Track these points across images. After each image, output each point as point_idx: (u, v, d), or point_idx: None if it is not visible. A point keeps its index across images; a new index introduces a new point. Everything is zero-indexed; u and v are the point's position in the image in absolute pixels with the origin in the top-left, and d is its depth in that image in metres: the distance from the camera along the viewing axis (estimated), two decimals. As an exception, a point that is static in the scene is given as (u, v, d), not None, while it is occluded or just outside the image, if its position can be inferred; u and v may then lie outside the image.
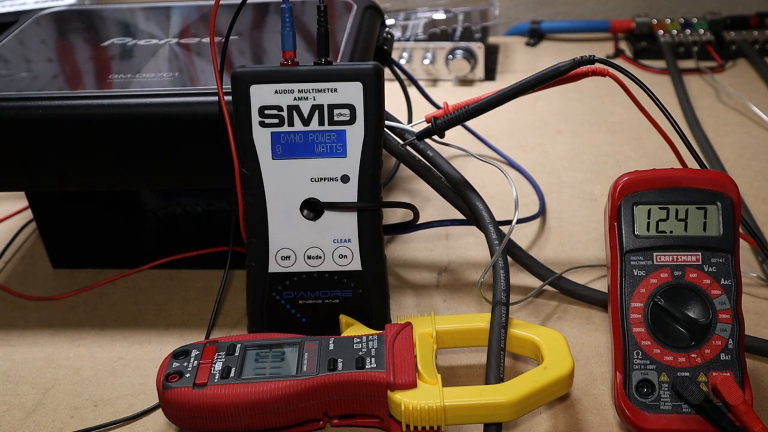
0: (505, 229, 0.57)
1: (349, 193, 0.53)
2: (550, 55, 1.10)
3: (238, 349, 0.51)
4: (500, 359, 0.49)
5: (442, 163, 0.60)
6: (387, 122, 0.59)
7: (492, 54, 1.08)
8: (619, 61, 1.05)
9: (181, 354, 0.51)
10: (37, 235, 0.71)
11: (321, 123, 0.52)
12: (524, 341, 0.52)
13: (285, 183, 0.53)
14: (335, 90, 0.51)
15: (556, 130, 0.89)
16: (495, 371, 0.49)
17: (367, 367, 0.48)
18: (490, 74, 1.03)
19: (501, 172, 0.59)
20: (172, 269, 0.67)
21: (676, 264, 0.51)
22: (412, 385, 0.47)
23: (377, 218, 0.54)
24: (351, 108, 0.51)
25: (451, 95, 0.98)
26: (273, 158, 0.52)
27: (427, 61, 1.00)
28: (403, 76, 0.78)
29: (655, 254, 0.51)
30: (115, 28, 0.71)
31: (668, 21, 1.10)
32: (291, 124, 0.52)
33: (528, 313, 0.60)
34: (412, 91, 0.80)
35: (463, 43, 1.00)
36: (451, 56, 1.00)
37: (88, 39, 0.69)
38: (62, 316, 0.62)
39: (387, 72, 0.66)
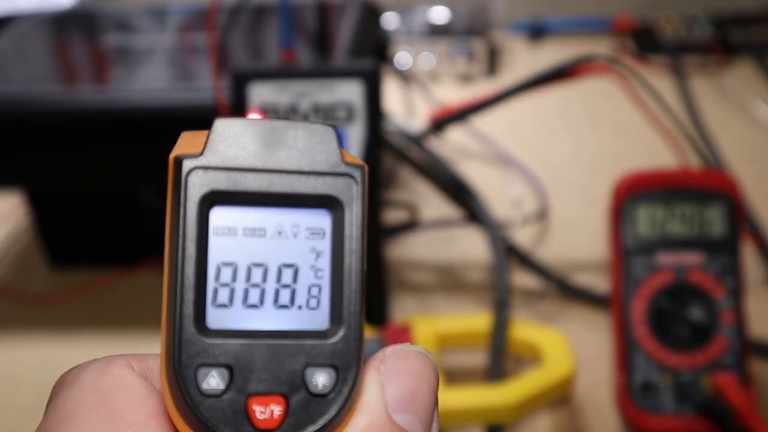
0: (505, 229, 0.57)
1: (349, 192, 0.53)
2: (552, 52, 1.09)
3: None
4: (501, 360, 0.49)
5: (442, 163, 0.60)
6: (386, 121, 0.59)
7: (493, 51, 1.08)
8: (621, 59, 1.04)
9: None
10: (37, 235, 0.71)
11: (320, 122, 0.51)
12: (525, 342, 0.52)
13: (284, 182, 0.52)
14: (334, 88, 0.51)
15: (558, 129, 0.88)
16: (495, 372, 0.48)
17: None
18: (491, 72, 1.02)
19: (501, 172, 0.59)
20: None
21: (678, 264, 0.50)
22: (412, 387, 0.47)
23: (377, 218, 0.54)
24: (350, 106, 0.51)
25: (452, 93, 0.98)
26: (272, 157, 0.52)
27: (427, 59, 1.00)
28: (402, 74, 0.78)
29: (657, 254, 0.50)
30: (114, 27, 0.70)
31: (672, 19, 1.09)
32: (290, 122, 0.51)
33: (529, 314, 0.60)
34: (412, 89, 0.80)
35: (463, 41, 1.00)
36: (451, 54, 1.00)
37: (87, 39, 0.68)
38: (61, 316, 0.62)
39: (386, 70, 0.65)
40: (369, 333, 0.52)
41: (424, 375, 0.24)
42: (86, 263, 0.67)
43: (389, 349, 0.25)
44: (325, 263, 0.24)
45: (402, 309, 0.61)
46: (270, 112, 0.50)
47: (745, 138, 0.84)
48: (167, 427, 0.23)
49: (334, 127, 0.24)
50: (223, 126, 0.24)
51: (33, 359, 0.58)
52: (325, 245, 0.24)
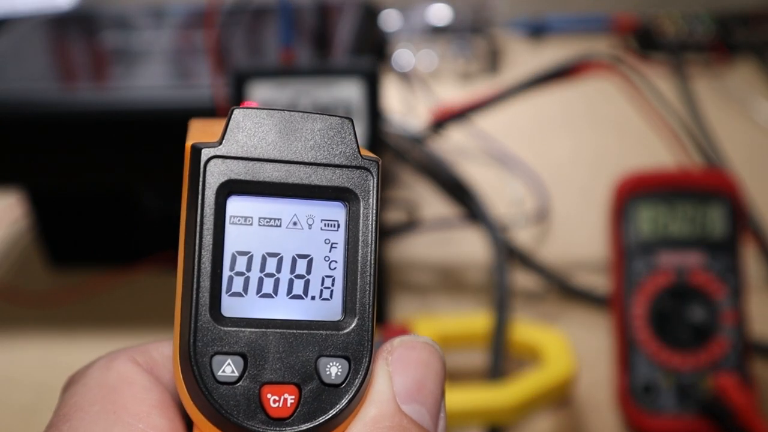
0: (505, 229, 0.57)
1: (348, 192, 0.52)
2: (553, 51, 1.09)
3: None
4: (501, 360, 0.49)
5: (442, 163, 0.60)
6: (386, 121, 0.59)
7: (494, 50, 1.08)
8: (622, 59, 1.04)
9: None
10: (36, 235, 0.71)
11: (319, 121, 0.51)
12: (525, 342, 0.52)
13: (283, 181, 0.52)
14: (333, 87, 0.51)
15: (558, 129, 0.88)
16: (495, 373, 0.48)
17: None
18: (491, 71, 1.02)
19: (502, 172, 0.59)
20: (172, 268, 0.66)
21: (679, 264, 0.50)
22: (412, 387, 0.47)
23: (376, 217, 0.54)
24: (349, 105, 0.51)
25: (452, 92, 0.98)
26: (271, 156, 0.52)
27: (427, 58, 1.00)
28: (402, 73, 0.78)
29: (658, 254, 0.50)
30: (114, 28, 0.70)
31: (673, 17, 1.09)
32: (289, 121, 0.51)
33: (529, 314, 0.60)
34: (412, 88, 0.80)
35: (464, 39, 0.99)
36: (451, 53, 0.99)
37: (86, 39, 0.68)
38: (60, 316, 0.62)
39: (386, 69, 0.65)
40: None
41: (431, 365, 0.24)
42: (86, 263, 0.67)
43: (397, 340, 0.25)
44: (339, 255, 0.24)
45: (402, 309, 0.61)
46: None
47: (747, 137, 0.84)
48: (170, 417, 0.23)
49: (351, 119, 0.24)
50: (241, 115, 0.24)
51: (33, 359, 0.57)
52: (340, 237, 0.24)
